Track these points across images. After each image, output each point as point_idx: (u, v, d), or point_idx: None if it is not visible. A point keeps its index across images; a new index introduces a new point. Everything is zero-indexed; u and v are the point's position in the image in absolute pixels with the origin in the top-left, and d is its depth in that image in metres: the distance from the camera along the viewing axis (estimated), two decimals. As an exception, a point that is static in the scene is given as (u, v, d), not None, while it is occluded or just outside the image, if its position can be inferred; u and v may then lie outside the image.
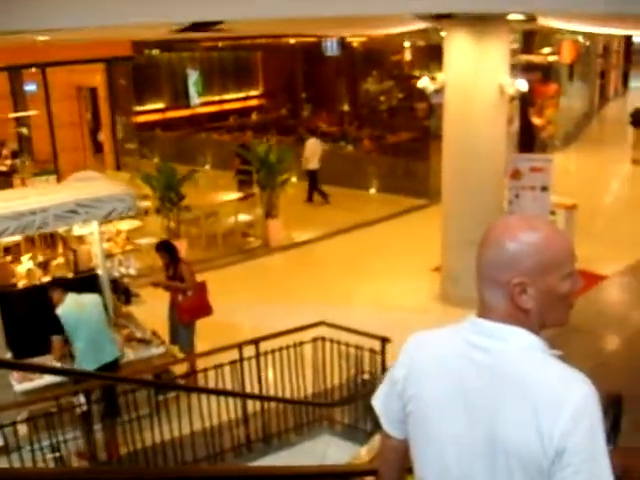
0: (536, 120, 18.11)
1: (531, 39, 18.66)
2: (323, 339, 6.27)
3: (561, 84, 19.85)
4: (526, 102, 18.05)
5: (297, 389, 6.29)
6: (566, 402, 1.41)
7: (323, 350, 6.26)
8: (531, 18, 8.19)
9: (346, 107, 19.74)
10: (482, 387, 1.52)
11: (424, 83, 8.38)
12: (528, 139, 17.42)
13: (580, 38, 23.51)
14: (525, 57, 18.05)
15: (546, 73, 18.58)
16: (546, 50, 19.46)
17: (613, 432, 3.25)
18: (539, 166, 8.84)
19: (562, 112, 20.84)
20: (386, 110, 18.81)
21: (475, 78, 8.02)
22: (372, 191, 15.19)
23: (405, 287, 9.28)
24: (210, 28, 8.69)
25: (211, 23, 8.04)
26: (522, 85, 8.05)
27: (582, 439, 1.40)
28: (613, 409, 3.32)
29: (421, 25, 9.13)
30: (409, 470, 1.81)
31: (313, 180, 14.21)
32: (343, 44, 18.89)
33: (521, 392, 1.45)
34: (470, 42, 7.89)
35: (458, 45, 8.01)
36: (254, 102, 21.59)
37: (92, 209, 6.40)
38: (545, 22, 8.92)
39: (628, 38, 29.93)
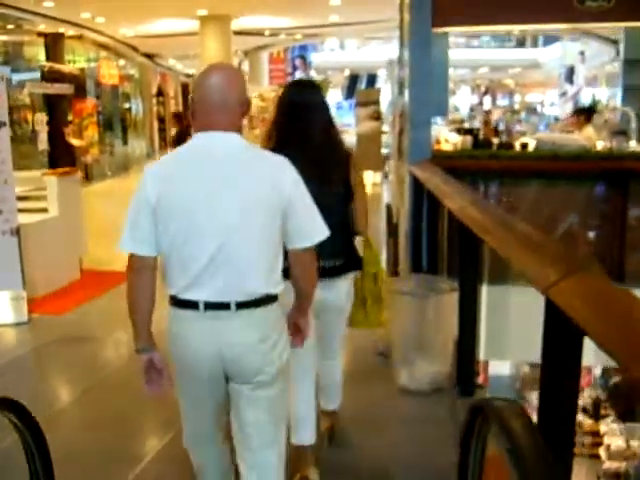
0: (75, 142, 14.49)
1: (58, 45, 15.06)
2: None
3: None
4: (59, 120, 14.32)
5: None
6: (285, 170, 2.12)
7: None
8: None
9: None
10: (227, 167, 2.04)
11: None
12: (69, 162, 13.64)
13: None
14: (50, 65, 14.40)
15: (80, 86, 15.17)
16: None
17: None
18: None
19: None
20: None
21: None
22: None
23: None
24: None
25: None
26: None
27: (299, 192, 2.13)
28: None
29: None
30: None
31: None
32: None
33: (255, 166, 2.09)
34: None
35: None
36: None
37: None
38: None
39: (185, 86, 28.90)
